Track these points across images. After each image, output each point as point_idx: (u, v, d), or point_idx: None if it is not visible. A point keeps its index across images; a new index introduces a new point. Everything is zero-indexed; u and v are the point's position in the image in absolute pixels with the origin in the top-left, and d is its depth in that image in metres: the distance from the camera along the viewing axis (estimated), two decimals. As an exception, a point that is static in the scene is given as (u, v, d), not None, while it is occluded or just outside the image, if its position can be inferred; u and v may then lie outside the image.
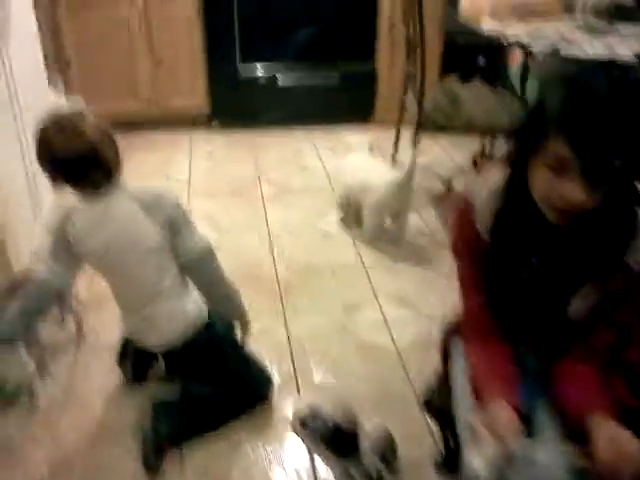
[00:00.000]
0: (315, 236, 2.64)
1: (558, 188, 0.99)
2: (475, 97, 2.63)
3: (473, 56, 3.96)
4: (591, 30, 2.42)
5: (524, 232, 1.14)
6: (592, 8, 2.64)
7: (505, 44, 2.54)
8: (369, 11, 3.44)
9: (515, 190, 1.11)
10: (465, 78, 4.01)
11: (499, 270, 1.21)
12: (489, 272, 1.23)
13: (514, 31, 2.38)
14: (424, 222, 2.74)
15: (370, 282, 2.34)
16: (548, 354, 1.25)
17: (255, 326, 1.79)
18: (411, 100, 2.74)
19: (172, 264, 1.59)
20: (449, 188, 2.89)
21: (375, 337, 2.08)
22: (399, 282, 2.35)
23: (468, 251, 1.28)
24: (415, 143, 2.58)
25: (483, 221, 1.20)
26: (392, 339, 2.05)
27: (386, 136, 3.25)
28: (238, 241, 2.59)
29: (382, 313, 2.18)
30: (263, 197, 2.93)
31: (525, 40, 2.30)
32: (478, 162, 3.17)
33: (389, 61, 3.55)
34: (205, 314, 1.67)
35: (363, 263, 2.46)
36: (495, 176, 1.20)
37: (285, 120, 3.61)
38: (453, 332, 1.44)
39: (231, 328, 1.75)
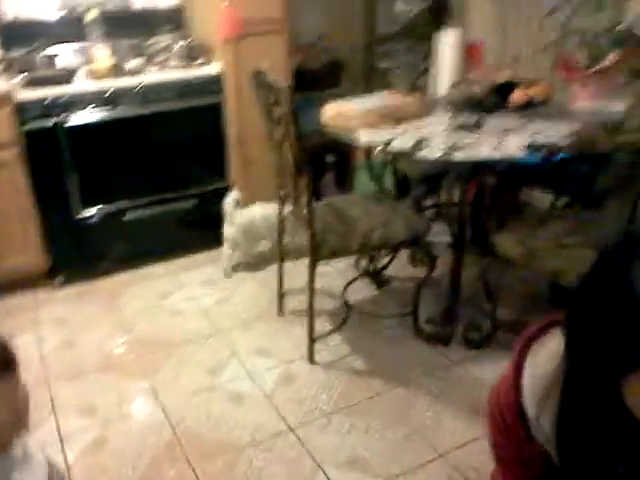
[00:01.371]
0: (221, 400, 2.21)
1: None
2: (365, 211, 2.43)
3: (322, 155, 3.87)
4: (464, 128, 2.35)
5: (606, 440, 0.88)
6: (453, 105, 2.61)
7: (382, 152, 2.41)
8: (216, 131, 3.17)
9: (594, 400, 0.85)
10: (317, 177, 3.91)
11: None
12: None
13: (395, 140, 2.23)
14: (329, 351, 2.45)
15: (304, 447, 1.96)
16: None
17: None
18: (291, 223, 2.48)
19: None
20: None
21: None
22: (342, 442, 2.00)
23: (519, 460, 0.99)
24: (312, 270, 2.29)
25: (539, 423, 0.93)
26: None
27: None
28: (128, 432, 2.08)
29: (335, 489, 1.82)
30: (141, 363, 2.44)
31: (408, 148, 2.16)
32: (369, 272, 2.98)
33: (243, 177, 3.29)
34: None
35: (289, 425, 2.08)
36: (547, 362, 0.94)
37: (141, 259, 3.15)
38: None
39: None
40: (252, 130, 3.14)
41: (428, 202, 3.23)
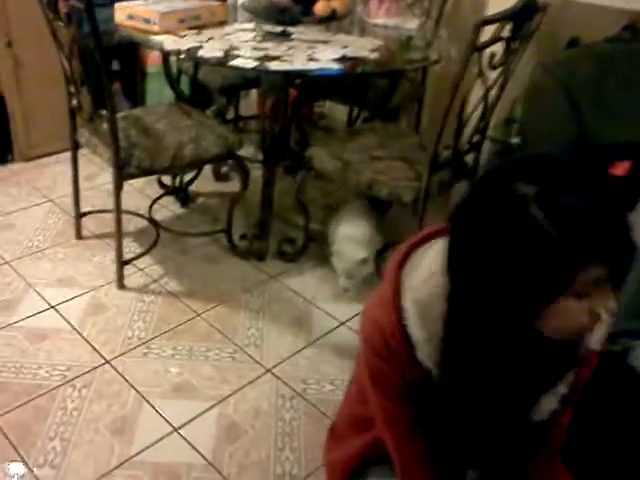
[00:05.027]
0: (20, 340, 1.85)
1: (593, 308, 0.72)
2: (171, 125, 2.14)
3: (107, 61, 3.37)
4: (272, 38, 2.15)
5: (491, 360, 0.83)
6: (255, 13, 2.37)
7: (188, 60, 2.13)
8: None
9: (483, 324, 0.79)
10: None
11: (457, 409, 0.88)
12: (438, 410, 0.90)
13: (202, 49, 1.96)
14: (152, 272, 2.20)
15: (125, 379, 1.74)
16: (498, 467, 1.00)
17: None
18: (86, 137, 2.10)
19: None
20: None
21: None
22: (165, 369, 1.81)
23: (399, 383, 0.91)
24: (118, 190, 1.98)
25: (426, 346, 0.86)
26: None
27: (39, 173, 2.73)
28: None
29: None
30: None
31: (219, 57, 1.91)
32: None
33: (15, 84, 2.72)
34: None
35: (105, 357, 1.82)
36: (425, 285, 0.86)
37: None
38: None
39: None
40: (26, 26, 2.57)
41: (229, 115, 3.00)
